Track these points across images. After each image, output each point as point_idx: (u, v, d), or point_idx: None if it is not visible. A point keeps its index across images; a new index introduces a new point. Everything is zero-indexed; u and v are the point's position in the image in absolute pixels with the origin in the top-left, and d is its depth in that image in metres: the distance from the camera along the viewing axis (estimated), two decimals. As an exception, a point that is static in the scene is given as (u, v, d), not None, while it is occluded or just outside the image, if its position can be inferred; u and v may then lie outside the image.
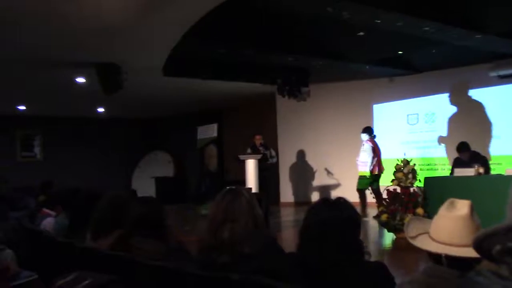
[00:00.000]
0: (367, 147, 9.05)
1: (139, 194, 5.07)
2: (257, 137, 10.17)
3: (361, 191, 9.04)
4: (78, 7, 5.75)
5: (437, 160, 10.37)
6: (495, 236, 1.01)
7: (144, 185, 14.56)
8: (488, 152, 9.15)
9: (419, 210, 6.64)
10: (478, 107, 9.86)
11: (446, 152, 10.01)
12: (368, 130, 9.24)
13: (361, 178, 9.09)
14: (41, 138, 15.03)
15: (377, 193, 8.53)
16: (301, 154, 12.23)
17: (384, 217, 6.97)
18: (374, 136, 9.26)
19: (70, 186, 4.94)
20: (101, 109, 14.12)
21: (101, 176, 14.20)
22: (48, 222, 4.24)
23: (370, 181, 8.97)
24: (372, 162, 8.94)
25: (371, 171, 8.94)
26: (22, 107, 13.07)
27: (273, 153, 10.40)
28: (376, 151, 9.07)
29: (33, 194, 8.12)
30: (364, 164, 9.02)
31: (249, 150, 9.88)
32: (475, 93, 9.91)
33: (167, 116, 15.88)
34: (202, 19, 6.36)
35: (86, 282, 1.84)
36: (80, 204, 3.52)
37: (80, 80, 9.48)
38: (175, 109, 14.63)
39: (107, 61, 8.17)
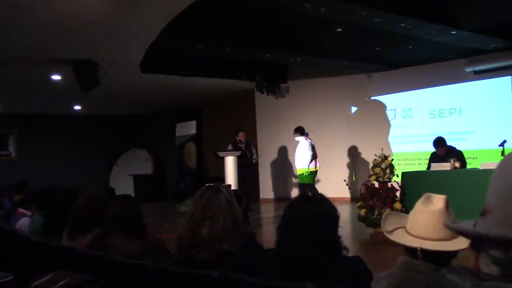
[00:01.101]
0: (307, 144, 9.31)
1: (118, 192, 5.03)
2: (240, 133, 10.14)
3: (302, 185, 9.38)
4: (53, 3, 5.66)
5: (414, 155, 10.50)
6: (481, 241, 0.99)
7: (122, 183, 14.43)
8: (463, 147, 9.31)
9: (397, 205, 6.71)
10: (454, 102, 10.01)
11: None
12: (301, 130, 9.46)
13: (301, 174, 9.38)
14: (16, 136, 14.77)
15: (312, 188, 9.06)
16: (280, 151, 12.25)
17: (362, 212, 7.03)
18: (307, 134, 9.48)
19: (46, 185, 4.87)
20: (77, 107, 13.93)
21: (78, 175, 14.02)
22: (24, 222, 4.18)
23: (313, 177, 9.29)
24: (311, 159, 9.21)
25: (310, 167, 9.23)
26: (-4, 105, 12.85)
27: (255, 155, 10.46)
28: (314, 148, 9.39)
29: (8, 194, 7.98)
30: (302, 161, 9.32)
31: (230, 147, 9.85)
32: (451, 89, 10.05)
33: (145, 113, 15.75)
34: (180, 15, 6.32)
35: (63, 282, 1.81)
36: (56, 203, 3.47)
37: (56, 77, 9.33)
38: (153, 106, 14.51)
39: (83, 58, 8.06)
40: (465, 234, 1.03)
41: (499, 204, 0.96)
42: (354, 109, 11.55)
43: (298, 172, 9.47)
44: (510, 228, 0.92)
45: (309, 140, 9.39)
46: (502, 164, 1.01)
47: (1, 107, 13.07)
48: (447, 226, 1.13)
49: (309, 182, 9.27)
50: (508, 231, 0.92)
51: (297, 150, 9.49)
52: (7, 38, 6.84)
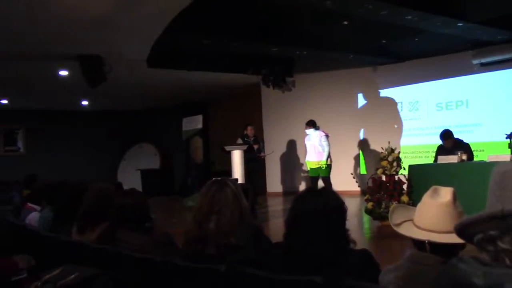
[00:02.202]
0: (324, 137, 9.18)
1: (125, 187, 5.08)
2: (249, 128, 10.11)
3: (315, 179, 9.25)
4: (59, -2, 5.68)
5: (421, 147, 10.47)
6: (477, 224, 1.04)
7: (130, 177, 14.48)
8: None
9: (404, 198, 6.71)
10: (460, 94, 9.97)
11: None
12: (314, 123, 9.34)
13: (316, 167, 9.20)
14: (24, 131, 14.85)
15: (328, 181, 8.97)
16: (287, 144, 12.25)
17: (369, 205, 7.04)
18: (318, 128, 9.40)
19: (55, 179, 4.91)
20: (85, 102, 13.98)
21: (86, 169, 14.10)
22: (33, 217, 4.21)
23: (329, 169, 9.15)
24: (329, 152, 9.12)
25: (327, 160, 9.12)
26: (4, 101, 12.90)
27: (262, 150, 10.44)
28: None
29: (17, 189, 8.04)
30: (320, 154, 9.14)
31: (239, 140, 9.82)
32: (458, 81, 10.00)
33: (152, 108, 15.77)
34: (186, 10, 6.31)
35: (72, 276, 1.83)
36: (65, 198, 3.49)
37: (63, 73, 9.36)
38: (160, 101, 14.54)
39: (90, 53, 8.09)
40: (466, 225, 1.08)
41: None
42: (360, 102, 11.51)
43: (313, 165, 9.25)
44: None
45: (324, 133, 9.27)
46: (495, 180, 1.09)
47: (9, 103, 13.14)
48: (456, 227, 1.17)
49: (326, 175, 9.12)
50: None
51: (311, 143, 9.28)
52: (15, 34, 6.87)
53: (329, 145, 9.15)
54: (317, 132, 9.28)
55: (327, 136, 9.23)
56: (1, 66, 8.76)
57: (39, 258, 2.83)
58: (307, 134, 9.41)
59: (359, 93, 11.49)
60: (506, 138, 6.96)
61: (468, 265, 0.99)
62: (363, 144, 11.40)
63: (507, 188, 1.05)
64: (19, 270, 2.62)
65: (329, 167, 9.13)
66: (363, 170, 11.21)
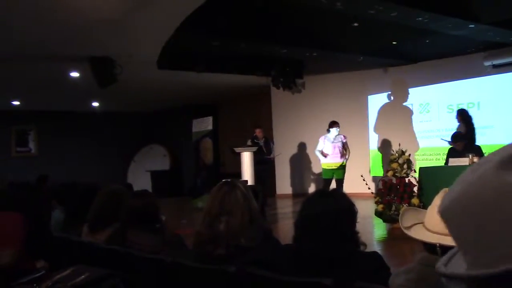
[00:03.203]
0: (346, 141, 8.96)
1: (135, 188, 5.10)
2: (258, 130, 10.04)
3: (329, 181, 8.99)
4: (71, 1, 5.72)
5: (432, 150, 10.41)
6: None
7: (139, 178, 14.55)
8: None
9: (415, 200, 6.68)
10: (472, 96, 9.90)
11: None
12: (338, 124, 9.03)
13: (335, 168, 8.91)
14: (36, 132, 14.97)
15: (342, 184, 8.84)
16: (297, 146, 12.23)
17: (380, 207, 7.01)
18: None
19: (66, 180, 4.94)
20: (95, 103, 14.06)
21: (96, 170, 14.18)
22: (44, 217, 4.23)
23: (343, 172, 8.93)
24: (348, 154, 8.94)
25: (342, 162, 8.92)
26: (16, 102, 13.02)
27: (273, 151, 10.37)
28: None
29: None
30: (337, 155, 8.87)
31: (249, 142, 9.80)
32: (469, 83, 9.93)
33: (162, 110, 15.84)
34: (196, 11, 6.34)
35: (83, 276, 1.85)
36: (76, 199, 3.52)
37: (74, 74, 9.43)
38: (170, 103, 14.59)
39: (100, 55, 8.14)
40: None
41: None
42: (370, 104, 11.47)
43: (334, 166, 8.89)
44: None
45: (343, 135, 9.04)
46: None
47: (21, 104, 13.26)
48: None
49: (342, 178, 8.88)
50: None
51: (335, 144, 8.90)
52: (27, 36, 6.93)
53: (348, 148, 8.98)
54: (340, 135, 8.97)
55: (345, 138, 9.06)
56: (13, 67, 8.84)
57: (50, 258, 2.85)
58: (325, 134, 9.07)
59: (369, 94, 11.45)
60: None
61: None
62: (374, 146, 11.35)
63: (452, 230, 0.76)
64: (36, 270, 2.64)
65: (343, 168, 8.94)
66: (373, 172, 11.16)
